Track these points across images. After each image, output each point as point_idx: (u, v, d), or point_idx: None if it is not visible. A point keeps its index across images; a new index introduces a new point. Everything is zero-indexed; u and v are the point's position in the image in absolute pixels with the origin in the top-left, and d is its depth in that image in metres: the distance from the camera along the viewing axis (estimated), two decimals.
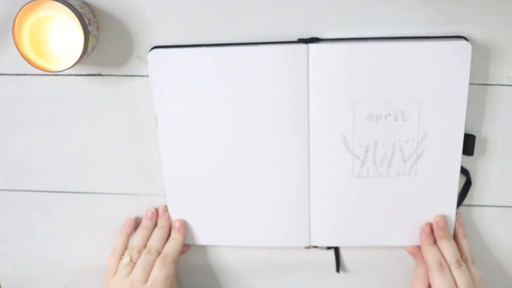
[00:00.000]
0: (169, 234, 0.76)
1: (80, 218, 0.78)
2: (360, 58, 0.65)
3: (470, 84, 0.66)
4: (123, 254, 0.74)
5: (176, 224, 0.75)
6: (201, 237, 0.76)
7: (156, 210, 0.76)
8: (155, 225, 0.76)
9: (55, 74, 0.69)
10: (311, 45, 0.65)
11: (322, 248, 0.77)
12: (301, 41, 0.66)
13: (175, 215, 0.76)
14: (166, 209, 0.76)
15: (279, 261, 0.79)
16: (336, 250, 0.78)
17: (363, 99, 0.66)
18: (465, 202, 0.74)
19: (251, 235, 0.75)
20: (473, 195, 0.74)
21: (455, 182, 0.70)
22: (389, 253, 0.78)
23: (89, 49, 0.65)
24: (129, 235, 0.76)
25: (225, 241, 0.76)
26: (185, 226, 0.75)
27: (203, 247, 0.79)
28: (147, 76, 0.69)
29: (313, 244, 0.75)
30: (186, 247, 0.78)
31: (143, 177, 0.75)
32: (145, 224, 0.76)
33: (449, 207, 0.72)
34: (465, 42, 0.64)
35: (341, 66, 0.65)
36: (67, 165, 0.75)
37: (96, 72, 0.70)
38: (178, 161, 0.72)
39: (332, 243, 0.75)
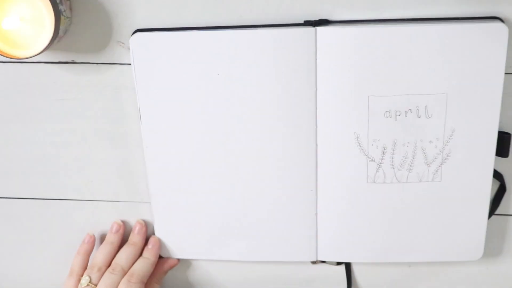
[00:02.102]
0: (141, 254, 0.75)
1: (50, 229, 0.78)
2: (377, 43, 0.63)
3: (505, 73, 0.64)
4: (81, 276, 0.72)
5: (151, 241, 0.74)
6: (192, 250, 0.75)
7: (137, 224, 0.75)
8: (122, 240, 0.75)
9: (22, 61, 0.68)
10: (319, 28, 0.63)
11: (331, 263, 0.76)
12: (308, 23, 0.64)
13: (161, 225, 0.74)
14: (144, 224, 0.75)
15: (282, 278, 0.78)
16: (347, 266, 0.76)
17: (379, 91, 0.65)
18: (499, 211, 0.73)
19: (249, 248, 0.74)
20: (509, 203, 0.73)
21: (487, 188, 0.69)
22: (409, 270, 0.77)
23: (60, 32, 0.63)
24: (89, 254, 0.75)
25: (219, 255, 0.75)
26: (159, 245, 0.74)
27: (194, 262, 0.78)
28: (129, 64, 0.67)
29: (320, 258, 0.74)
30: (174, 261, 0.76)
31: (125, 182, 0.74)
32: (110, 238, 0.74)
33: (480, 217, 0.70)
34: (500, 23, 0.62)
35: (354, 53, 0.63)
36: (35, 168, 0.74)
37: (69, 59, 0.68)
38: (165, 162, 0.70)
39: (342, 258, 0.74)
